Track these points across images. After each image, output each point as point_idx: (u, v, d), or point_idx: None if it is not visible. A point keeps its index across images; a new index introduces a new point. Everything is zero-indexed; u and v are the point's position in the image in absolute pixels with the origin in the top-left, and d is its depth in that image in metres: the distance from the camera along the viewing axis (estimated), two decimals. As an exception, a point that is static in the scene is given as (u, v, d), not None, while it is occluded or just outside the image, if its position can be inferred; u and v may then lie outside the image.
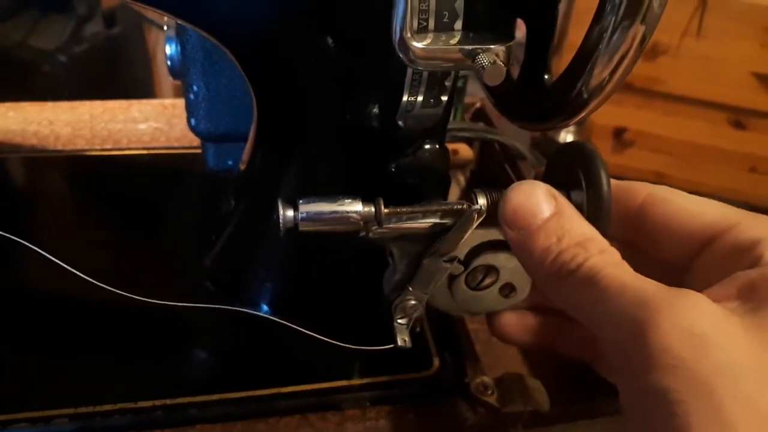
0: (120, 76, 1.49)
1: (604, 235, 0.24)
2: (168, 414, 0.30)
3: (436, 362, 0.33)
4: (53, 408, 0.29)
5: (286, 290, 0.34)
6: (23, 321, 0.33)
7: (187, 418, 0.30)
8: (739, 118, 1.41)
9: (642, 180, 0.28)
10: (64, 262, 0.29)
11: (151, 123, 0.50)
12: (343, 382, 0.32)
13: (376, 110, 0.29)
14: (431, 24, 0.25)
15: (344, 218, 0.26)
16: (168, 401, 0.30)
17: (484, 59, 0.24)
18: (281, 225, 0.26)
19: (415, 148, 0.31)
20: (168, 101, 0.53)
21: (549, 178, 0.28)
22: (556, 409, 0.31)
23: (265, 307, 0.34)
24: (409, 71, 0.27)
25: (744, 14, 1.29)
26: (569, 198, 0.26)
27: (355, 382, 0.32)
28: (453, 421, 0.31)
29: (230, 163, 0.43)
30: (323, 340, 0.30)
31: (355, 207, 0.26)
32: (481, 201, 0.26)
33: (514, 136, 0.52)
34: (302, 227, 0.26)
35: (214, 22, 0.28)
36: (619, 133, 1.46)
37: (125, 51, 1.49)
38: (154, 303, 0.30)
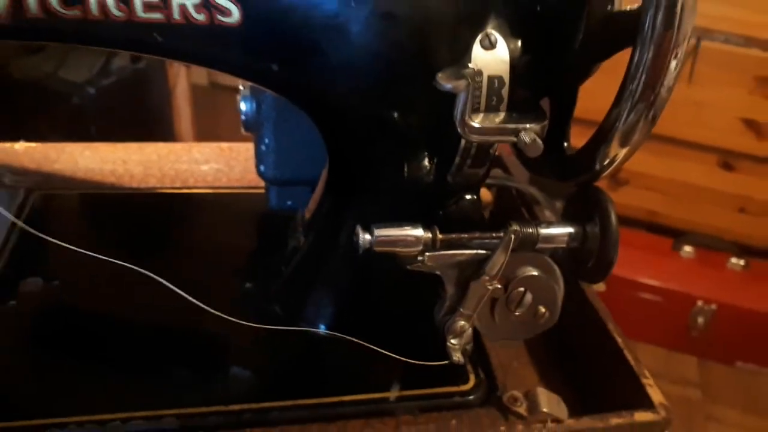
0: (144, 107, 1.57)
1: (613, 258, 0.31)
2: (254, 416, 0.36)
3: (472, 378, 0.40)
4: (163, 408, 0.35)
5: (347, 311, 0.41)
6: (131, 333, 0.40)
7: (270, 420, 0.36)
8: (728, 160, 1.49)
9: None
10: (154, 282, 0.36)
11: (212, 164, 0.57)
12: (398, 393, 0.38)
13: (431, 170, 0.36)
14: (482, 106, 0.32)
15: (409, 240, 0.33)
16: (254, 405, 0.36)
17: (525, 137, 0.31)
18: (360, 246, 0.33)
19: (457, 198, 0.38)
20: (225, 145, 0.60)
21: (567, 215, 0.35)
22: (572, 418, 0.37)
23: (326, 327, 0.41)
24: (463, 141, 0.34)
25: (733, 63, 1.38)
26: (584, 230, 0.33)
27: (407, 393, 0.38)
28: (489, 428, 0.37)
29: (289, 203, 0.50)
30: (387, 354, 0.36)
31: (417, 232, 0.33)
32: (515, 227, 0.33)
33: (524, 179, 0.59)
34: (376, 248, 0.33)
35: (303, 96, 0.35)
36: (614, 173, 1.53)
37: (148, 84, 1.57)
38: (246, 325, 0.36)
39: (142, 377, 0.38)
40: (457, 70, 0.30)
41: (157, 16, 0.30)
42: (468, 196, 0.38)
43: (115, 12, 0.30)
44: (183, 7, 0.30)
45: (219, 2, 0.29)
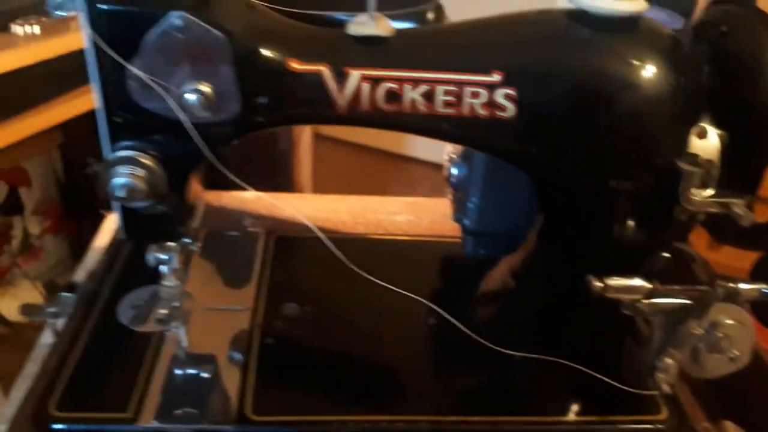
0: (272, 152, 1.74)
1: None
2: (488, 427, 0.44)
3: (665, 410, 0.46)
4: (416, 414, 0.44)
5: (557, 342, 0.49)
6: (370, 348, 0.50)
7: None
8: None
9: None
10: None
11: (404, 216, 0.67)
12: (602, 417, 0.45)
13: (638, 231, 0.44)
14: (697, 183, 0.40)
15: (633, 289, 0.41)
16: (489, 418, 0.45)
17: (739, 209, 0.39)
18: (595, 292, 0.41)
19: (656, 255, 0.46)
20: (410, 199, 0.70)
21: (755, 275, 0.42)
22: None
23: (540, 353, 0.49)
24: (676, 209, 0.42)
25: None
26: None
27: (610, 418, 0.46)
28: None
29: (482, 251, 0.59)
30: (593, 382, 0.44)
31: (640, 282, 0.41)
32: (721, 283, 0.41)
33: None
34: (608, 294, 0.41)
35: (542, 170, 0.45)
36: None
37: (275, 140, 1.74)
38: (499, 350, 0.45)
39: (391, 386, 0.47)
40: (687, 157, 0.38)
41: (450, 111, 0.40)
42: (665, 255, 0.46)
43: (422, 108, 0.40)
44: (472, 106, 0.40)
45: (499, 102, 0.39)
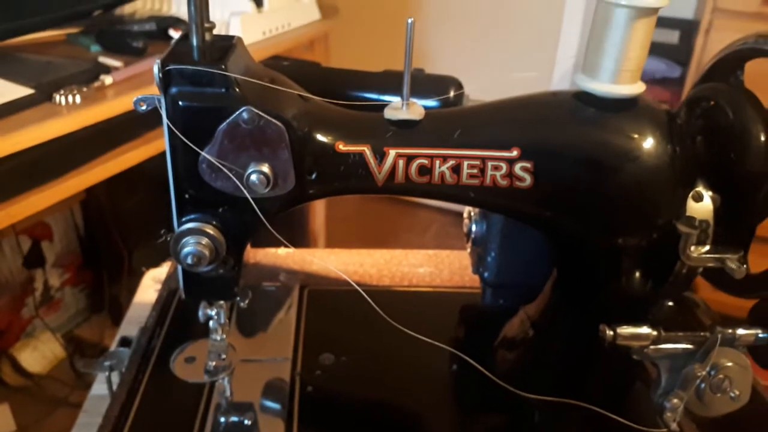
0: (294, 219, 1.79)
1: None
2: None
3: (675, 446, 0.51)
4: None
5: (573, 385, 0.54)
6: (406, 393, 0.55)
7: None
8: None
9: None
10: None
11: (426, 268, 0.73)
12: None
13: (645, 284, 0.50)
14: (694, 241, 0.46)
15: (641, 336, 0.46)
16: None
17: (732, 264, 0.44)
18: (606, 340, 0.46)
19: (661, 304, 0.51)
20: (431, 252, 0.76)
21: (752, 320, 0.47)
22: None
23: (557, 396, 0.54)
24: (678, 264, 0.47)
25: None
26: None
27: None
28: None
29: (501, 301, 0.64)
30: (616, 419, 0.49)
31: (647, 330, 0.46)
32: (720, 330, 0.46)
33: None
34: (618, 341, 0.46)
35: (556, 231, 0.50)
36: None
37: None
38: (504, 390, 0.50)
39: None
40: (686, 220, 0.44)
41: (474, 182, 0.46)
42: (670, 303, 0.51)
43: (449, 180, 0.46)
44: (494, 177, 0.46)
45: (518, 173, 0.45)
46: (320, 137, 0.45)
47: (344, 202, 2.29)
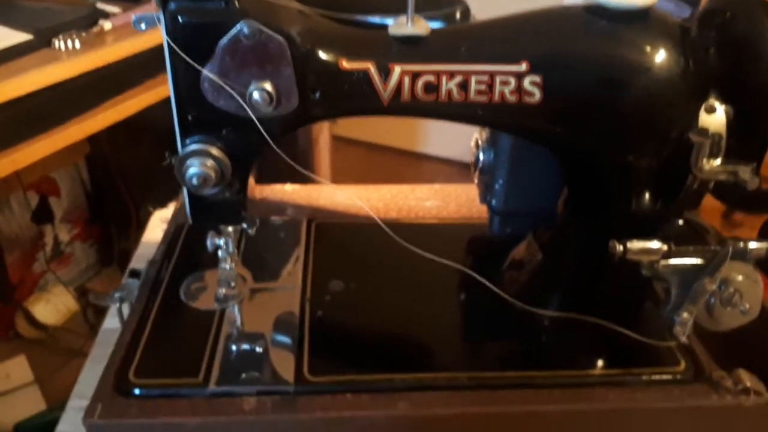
0: (294, 154, 1.79)
1: None
2: (521, 380, 0.49)
3: (683, 362, 0.51)
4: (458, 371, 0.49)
5: (585, 302, 0.54)
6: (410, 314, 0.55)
7: (535, 384, 0.49)
8: None
9: None
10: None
11: (432, 201, 0.72)
12: (627, 369, 0.50)
13: (655, 201, 0.49)
14: (707, 153, 0.45)
15: (651, 251, 0.46)
16: (518, 373, 0.50)
17: (743, 174, 0.44)
18: (616, 255, 0.46)
19: (671, 222, 0.51)
20: (437, 186, 0.75)
21: (763, 235, 0.47)
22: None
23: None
24: (689, 179, 0.46)
25: None
26: None
27: (636, 370, 0.50)
28: (703, 398, 0.48)
29: (509, 229, 0.64)
30: (621, 338, 0.49)
31: (657, 245, 0.46)
32: (732, 242, 0.45)
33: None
34: (629, 256, 0.46)
35: (568, 149, 0.50)
36: (727, 215, 1.56)
37: (297, 136, 1.80)
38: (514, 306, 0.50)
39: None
40: (698, 130, 0.43)
41: (483, 98, 0.45)
42: (679, 222, 0.51)
43: (457, 97, 0.45)
44: (502, 93, 0.45)
45: (528, 88, 0.44)
46: (323, 54, 0.44)
47: (348, 154, 2.28)
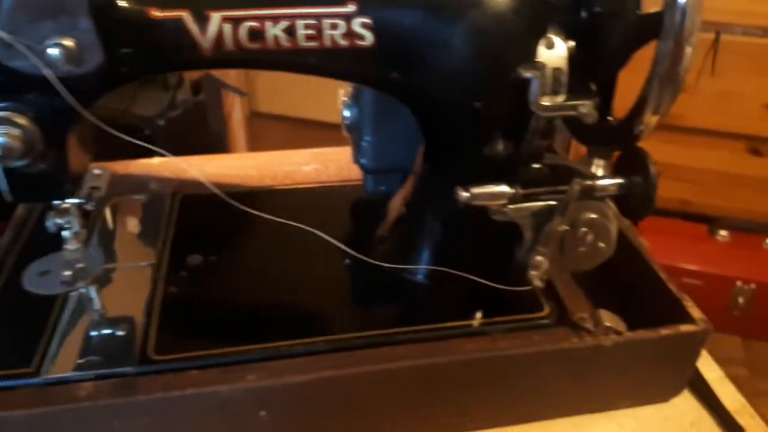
0: (205, 132, 1.73)
1: (653, 196, 0.41)
2: (385, 338, 0.47)
3: (546, 307, 0.50)
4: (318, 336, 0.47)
5: (445, 254, 0.52)
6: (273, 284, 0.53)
7: (397, 341, 0.47)
8: (756, 145, 1.56)
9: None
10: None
11: (312, 165, 0.69)
12: (492, 319, 0.49)
13: (506, 146, 0.47)
14: (548, 91, 0.43)
15: (497, 195, 0.44)
16: (385, 330, 0.48)
17: (584, 109, 0.42)
18: (461, 201, 0.44)
19: (527, 167, 0.50)
20: (317, 150, 0.72)
21: (616, 171, 0.46)
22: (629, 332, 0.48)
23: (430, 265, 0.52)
24: (533, 119, 0.45)
25: (753, 53, 1.46)
26: (630, 180, 0.44)
27: (497, 319, 0.49)
28: (563, 341, 0.48)
29: (383, 188, 0.62)
30: (481, 287, 0.47)
31: (503, 188, 0.45)
32: (578, 180, 0.44)
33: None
34: (473, 202, 0.44)
35: (411, 95, 0.47)
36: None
37: (207, 113, 1.73)
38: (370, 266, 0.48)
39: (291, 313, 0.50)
40: (531, 64, 0.42)
41: (313, 44, 0.42)
42: (535, 165, 0.49)
43: (285, 44, 0.42)
44: (332, 37, 0.42)
45: (357, 31, 0.42)
46: (126, 3, 0.40)
47: (270, 131, 2.22)
